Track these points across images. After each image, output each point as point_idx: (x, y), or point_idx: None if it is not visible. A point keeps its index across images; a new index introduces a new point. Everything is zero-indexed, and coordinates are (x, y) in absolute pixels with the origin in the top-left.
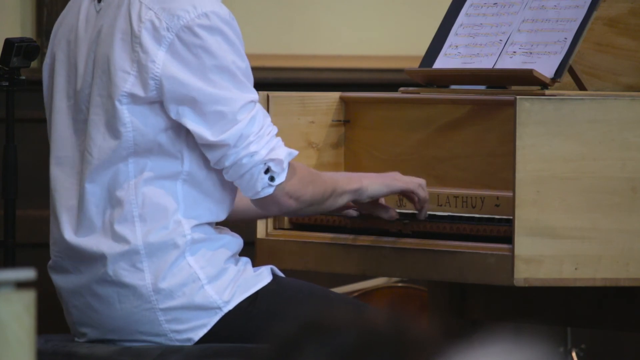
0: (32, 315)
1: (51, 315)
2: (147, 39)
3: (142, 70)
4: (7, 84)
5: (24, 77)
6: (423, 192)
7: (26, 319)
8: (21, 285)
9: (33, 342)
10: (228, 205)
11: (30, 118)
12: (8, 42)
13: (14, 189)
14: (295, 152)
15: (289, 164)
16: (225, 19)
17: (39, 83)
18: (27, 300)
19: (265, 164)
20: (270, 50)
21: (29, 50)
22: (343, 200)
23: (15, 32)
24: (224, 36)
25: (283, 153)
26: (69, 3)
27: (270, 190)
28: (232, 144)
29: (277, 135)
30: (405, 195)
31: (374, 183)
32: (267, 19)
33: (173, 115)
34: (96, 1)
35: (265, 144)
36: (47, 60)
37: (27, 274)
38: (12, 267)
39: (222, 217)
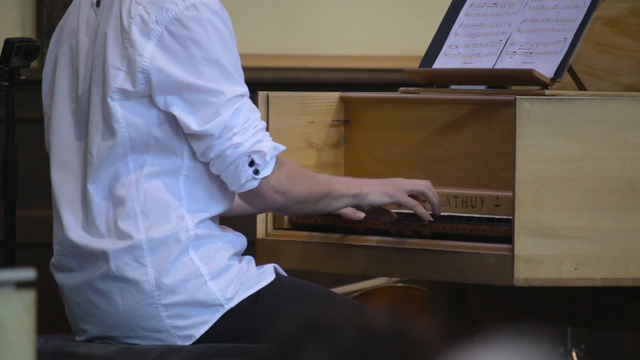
0: (32, 315)
1: (51, 315)
2: (136, 33)
3: (131, 65)
4: (7, 84)
5: (24, 77)
6: (432, 195)
7: (26, 319)
8: (21, 285)
9: (33, 342)
10: (230, 198)
11: (30, 118)
12: (8, 42)
13: (14, 189)
14: (282, 147)
15: (278, 159)
16: (215, 9)
17: (39, 83)
18: (27, 300)
19: (249, 156)
20: (270, 50)
21: (29, 50)
22: (340, 203)
23: (15, 32)
24: (214, 27)
25: (267, 146)
26: (69, 8)
27: (255, 184)
28: (216, 135)
29: (267, 131)
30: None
31: (376, 192)
32: (267, 19)
33: (161, 106)
34: (95, 5)
35: (250, 136)
36: (47, 67)
37: (27, 274)
38: (12, 267)
39: (225, 208)
